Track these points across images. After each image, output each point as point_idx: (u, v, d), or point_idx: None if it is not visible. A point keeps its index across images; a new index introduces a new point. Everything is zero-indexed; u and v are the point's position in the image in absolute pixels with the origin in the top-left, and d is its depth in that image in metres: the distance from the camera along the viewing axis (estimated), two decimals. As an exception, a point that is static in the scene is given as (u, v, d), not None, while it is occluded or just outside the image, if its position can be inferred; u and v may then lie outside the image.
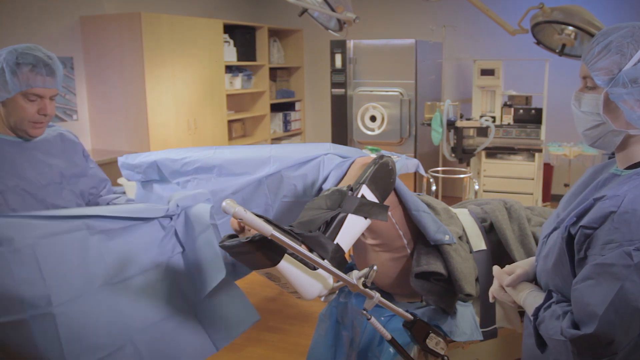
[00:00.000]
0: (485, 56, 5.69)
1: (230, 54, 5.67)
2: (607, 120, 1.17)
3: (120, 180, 2.91)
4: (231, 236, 1.39)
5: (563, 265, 1.18)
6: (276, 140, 6.53)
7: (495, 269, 1.41)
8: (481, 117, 5.23)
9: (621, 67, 1.13)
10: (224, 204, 1.23)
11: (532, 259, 1.40)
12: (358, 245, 1.95)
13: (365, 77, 5.46)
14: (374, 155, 1.84)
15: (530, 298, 1.28)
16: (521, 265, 1.39)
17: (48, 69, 1.73)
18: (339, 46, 5.45)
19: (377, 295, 1.51)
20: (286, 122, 6.69)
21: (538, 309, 1.21)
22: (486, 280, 1.83)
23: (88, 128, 4.87)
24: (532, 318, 1.23)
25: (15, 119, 1.74)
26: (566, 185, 5.28)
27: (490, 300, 1.44)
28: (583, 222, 1.12)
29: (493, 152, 5.01)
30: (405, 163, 3.42)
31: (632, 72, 1.12)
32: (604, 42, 1.16)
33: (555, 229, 1.25)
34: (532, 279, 1.36)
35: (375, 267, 1.50)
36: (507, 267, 1.40)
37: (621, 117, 1.16)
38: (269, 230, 1.25)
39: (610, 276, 1.05)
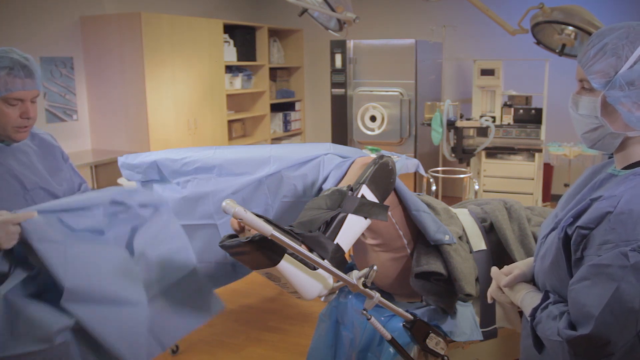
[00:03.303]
0: (485, 56, 5.69)
1: (230, 54, 5.67)
2: (605, 123, 1.17)
3: (120, 180, 2.91)
4: (231, 236, 1.39)
5: (560, 266, 1.18)
6: (276, 140, 6.53)
7: (494, 269, 1.41)
8: (481, 117, 5.23)
9: (617, 70, 1.13)
10: (224, 204, 1.24)
11: (530, 259, 1.40)
12: (358, 245, 1.95)
13: (365, 77, 5.46)
14: (374, 155, 1.84)
15: (528, 299, 1.28)
16: (519, 266, 1.39)
17: (26, 70, 1.66)
18: (339, 46, 5.45)
19: (377, 295, 1.51)
20: (286, 122, 6.69)
21: (535, 310, 1.21)
22: (486, 280, 1.83)
23: (88, 128, 4.87)
24: (529, 319, 1.23)
25: None
26: (566, 185, 5.28)
27: (489, 301, 1.44)
28: (580, 222, 1.12)
29: (493, 152, 5.01)
30: (405, 163, 3.42)
31: (628, 74, 1.12)
32: (599, 44, 1.15)
33: (553, 229, 1.25)
34: (530, 279, 1.36)
35: (375, 267, 1.50)
36: (505, 267, 1.40)
37: (619, 119, 1.16)
38: (269, 230, 1.25)
39: (607, 277, 1.05)
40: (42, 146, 1.88)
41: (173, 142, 4.87)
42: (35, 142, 1.87)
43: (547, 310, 1.18)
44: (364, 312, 1.53)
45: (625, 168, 1.20)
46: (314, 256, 1.36)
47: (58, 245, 1.54)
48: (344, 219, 1.55)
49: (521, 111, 5.24)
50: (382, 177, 1.66)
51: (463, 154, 4.78)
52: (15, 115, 1.67)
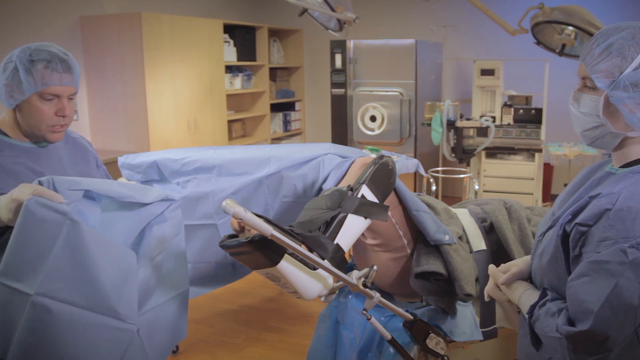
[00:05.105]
0: (485, 56, 5.69)
1: (230, 54, 5.67)
2: (606, 123, 1.18)
3: (120, 180, 2.90)
4: (231, 236, 1.39)
5: (558, 263, 1.18)
6: (276, 140, 6.53)
7: (491, 267, 1.42)
8: (481, 117, 5.23)
9: (622, 70, 1.13)
10: (224, 204, 1.23)
11: (528, 257, 1.41)
12: (358, 245, 1.95)
13: (365, 77, 5.46)
14: (374, 155, 1.84)
15: (525, 296, 1.29)
16: (516, 264, 1.39)
17: (64, 64, 1.57)
18: (339, 46, 5.45)
19: (377, 295, 1.51)
20: (286, 122, 6.69)
21: (533, 307, 1.22)
22: (486, 280, 1.82)
23: (88, 128, 4.87)
24: (527, 316, 1.24)
25: (31, 123, 1.57)
26: (566, 185, 5.26)
27: (486, 299, 1.45)
28: (578, 219, 1.13)
29: (493, 152, 5.01)
30: (405, 163, 3.42)
31: (633, 75, 1.12)
32: (604, 43, 1.15)
33: (550, 227, 1.26)
34: (527, 277, 1.37)
35: (375, 267, 1.50)
36: (502, 265, 1.41)
37: (621, 119, 1.16)
38: (269, 230, 1.25)
39: (606, 273, 1.06)
40: (76, 151, 1.78)
41: (173, 142, 4.87)
42: (69, 146, 1.76)
43: (545, 307, 1.18)
44: (364, 312, 1.53)
45: (623, 166, 1.20)
46: (314, 256, 1.36)
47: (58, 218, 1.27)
48: (344, 219, 1.55)
49: (521, 111, 5.24)
50: (382, 177, 1.66)
51: (463, 154, 4.78)
52: (50, 112, 1.57)
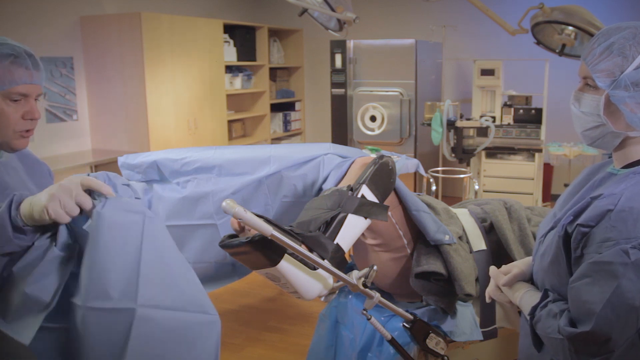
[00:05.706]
0: (485, 56, 5.69)
1: (230, 54, 5.67)
2: (607, 122, 1.18)
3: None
4: (231, 236, 1.39)
5: (559, 264, 1.18)
6: (276, 140, 6.53)
7: (492, 269, 1.42)
8: (481, 117, 5.23)
9: (623, 70, 1.13)
10: (224, 204, 1.23)
11: (529, 258, 1.41)
12: (358, 245, 1.95)
13: (365, 77, 5.46)
14: (374, 155, 1.84)
15: (527, 297, 1.29)
16: (517, 265, 1.39)
17: (33, 60, 1.37)
18: (339, 46, 5.44)
19: (377, 295, 1.51)
20: (286, 122, 6.69)
21: (534, 308, 1.22)
22: (486, 280, 1.82)
23: (88, 128, 4.87)
24: (528, 317, 1.23)
25: None
26: (566, 185, 5.27)
27: (487, 300, 1.45)
28: (580, 220, 1.13)
29: (493, 152, 5.01)
30: (405, 163, 3.43)
31: (634, 75, 1.12)
32: (605, 43, 1.15)
33: (551, 228, 1.26)
34: (529, 278, 1.37)
35: (375, 267, 1.50)
36: (504, 267, 1.41)
37: (621, 119, 1.16)
38: (269, 230, 1.25)
39: (607, 274, 1.06)
40: (28, 163, 1.58)
41: (173, 142, 4.87)
42: (20, 157, 1.56)
43: (547, 309, 1.18)
44: (364, 312, 1.53)
45: (625, 167, 1.20)
46: (314, 256, 1.36)
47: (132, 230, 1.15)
48: (344, 219, 1.55)
49: (521, 111, 5.24)
50: (382, 177, 1.66)
51: (463, 154, 4.78)
52: (17, 115, 1.36)
